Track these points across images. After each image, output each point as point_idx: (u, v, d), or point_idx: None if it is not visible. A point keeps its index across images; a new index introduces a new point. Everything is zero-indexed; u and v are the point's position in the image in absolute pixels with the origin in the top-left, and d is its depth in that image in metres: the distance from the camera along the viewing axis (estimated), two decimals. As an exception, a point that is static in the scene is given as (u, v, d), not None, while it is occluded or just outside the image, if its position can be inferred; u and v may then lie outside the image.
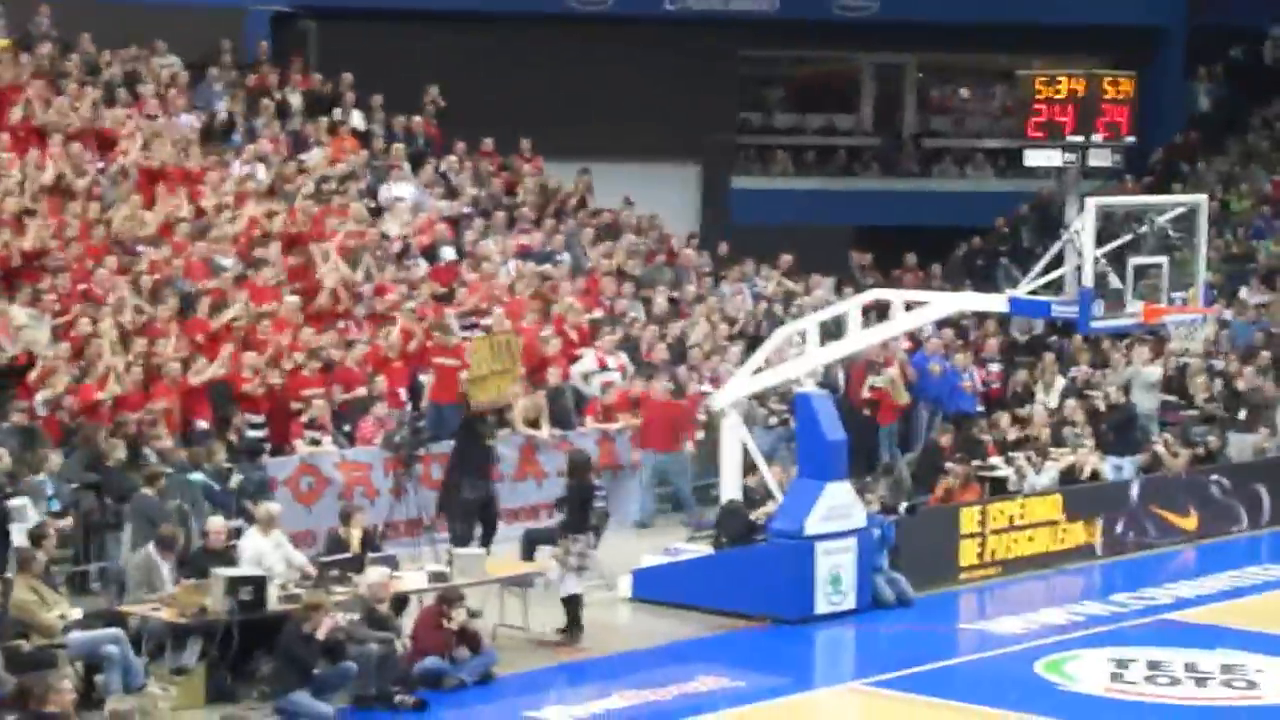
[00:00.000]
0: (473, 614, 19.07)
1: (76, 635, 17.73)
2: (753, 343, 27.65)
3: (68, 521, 20.47)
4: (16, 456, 20.83)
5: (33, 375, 22.41)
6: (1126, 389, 28.93)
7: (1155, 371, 29.51)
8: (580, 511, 20.83)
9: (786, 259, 32.65)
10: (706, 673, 19.38)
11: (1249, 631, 21.51)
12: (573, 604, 20.58)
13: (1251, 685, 19.42)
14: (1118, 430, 27.76)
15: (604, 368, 27.30)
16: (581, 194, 32.93)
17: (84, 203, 26.29)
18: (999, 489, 26.04)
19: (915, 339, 29.23)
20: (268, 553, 19.52)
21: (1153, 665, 20.01)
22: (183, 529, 19.96)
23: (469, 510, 22.72)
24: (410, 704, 17.99)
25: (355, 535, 20.26)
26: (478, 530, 22.69)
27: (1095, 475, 26.44)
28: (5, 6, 30.10)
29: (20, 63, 28.92)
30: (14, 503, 19.99)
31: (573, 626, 20.56)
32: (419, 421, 24.40)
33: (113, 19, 31.23)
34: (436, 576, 19.59)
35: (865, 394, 27.95)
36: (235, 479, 21.98)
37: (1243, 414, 29.14)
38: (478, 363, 22.99)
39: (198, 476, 21.40)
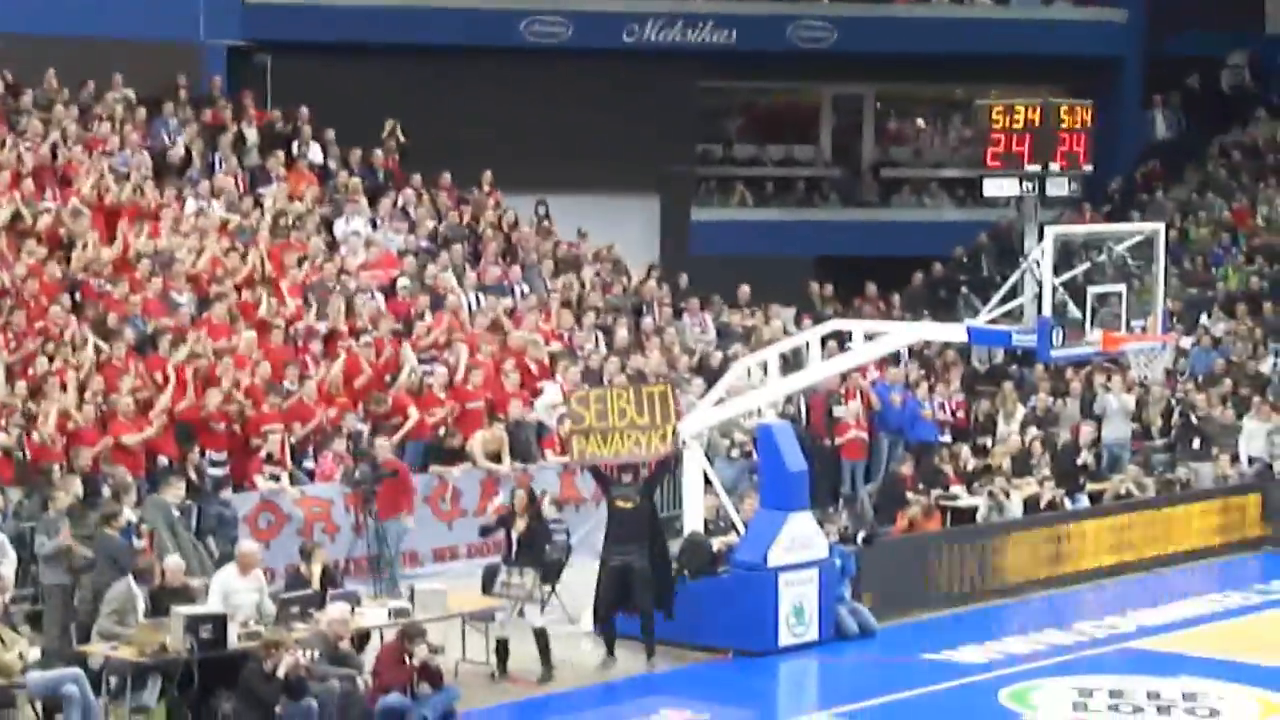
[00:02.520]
0: (434, 649, 19.02)
1: (35, 675, 17.66)
2: (713, 375, 27.71)
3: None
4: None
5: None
6: (1099, 418, 29.09)
7: (1129, 400, 29.58)
8: (527, 547, 20.83)
9: (744, 291, 32.71)
10: (669, 706, 19.37)
11: (1210, 659, 21.57)
12: (539, 639, 20.57)
13: (1213, 713, 19.48)
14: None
15: (567, 400, 27.25)
16: (540, 226, 32.99)
17: (41, 241, 26.26)
18: (962, 519, 26.15)
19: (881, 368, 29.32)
20: (239, 592, 19.41)
21: (1115, 694, 20.05)
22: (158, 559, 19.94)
23: (611, 581, 21.11)
24: (372, 742, 17.96)
25: (316, 572, 20.21)
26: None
27: (1053, 506, 26.54)
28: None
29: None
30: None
31: (542, 661, 20.55)
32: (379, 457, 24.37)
33: (67, 54, 31.17)
34: (397, 612, 19.56)
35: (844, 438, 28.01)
36: (195, 516, 21.95)
37: (1200, 442, 29.33)
38: (613, 414, 21.57)
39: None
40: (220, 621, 18.16)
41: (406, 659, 18.47)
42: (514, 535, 20.92)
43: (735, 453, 26.99)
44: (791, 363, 23.92)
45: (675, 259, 37.01)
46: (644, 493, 21.30)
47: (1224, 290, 36.49)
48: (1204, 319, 34.78)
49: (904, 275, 36.53)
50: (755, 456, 24.12)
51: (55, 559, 20.14)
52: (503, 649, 20.52)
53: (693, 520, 23.10)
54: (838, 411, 28.54)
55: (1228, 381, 31.24)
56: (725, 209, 41.77)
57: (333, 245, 29.65)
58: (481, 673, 20.35)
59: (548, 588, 22.12)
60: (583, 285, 31.25)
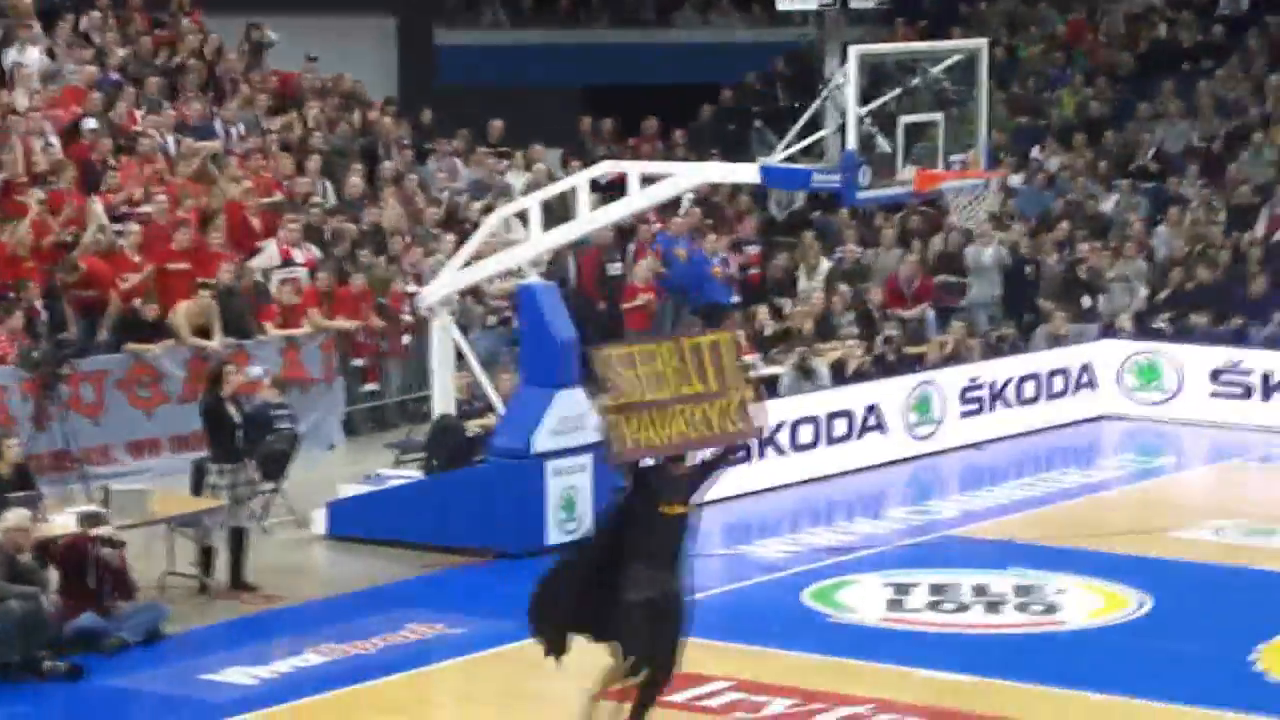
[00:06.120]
0: (114, 544, 18.82)
1: None
2: (464, 229, 27.74)
3: None
4: None
5: None
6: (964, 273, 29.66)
7: (991, 252, 30.00)
8: (219, 434, 20.59)
9: (500, 127, 32.68)
10: (418, 620, 19.39)
11: (1046, 547, 22.00)
12: (233, 542, 20.44)
13: (1050, 609, 19.90)
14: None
15: (289, 261, 27.21)
16: (253, 54, 32.71)
17: None
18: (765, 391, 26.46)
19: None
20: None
21: (936, 589, 20.39)
22: None
23: (643, 622, 15.69)
24: (63, 670, 17.83)
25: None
26: None
27: (861, 373, 26.93)
28: None
29: None
30: None
31: (231, 569, 20.48)
32: (62, 333, 24.10)
33: None
34: (89, 519, 19.40)
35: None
36: None
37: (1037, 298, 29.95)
38: (670, 381, 16.08)
39: None
40: None
41: (90, 560, 18.39)
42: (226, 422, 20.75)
43: (491, 320, 27.06)
44: (557, 213, 23.96)
45: (416, 91, 36.87)
46: (693, 490, 16.23)
47: (1059, 118, 37.05)
48: (1035, 152, 35.33)
49: (688, 107, 36.68)
50: (515, 324, 24.15)
51: None
52: (218, 557, 20.43)
53: (443, 401, 23.18)
54: (613, 270, 28.67)
55: (1065, 224, 31.82)
56: (475, 30, 41.64)
57: (0, 78, 29.15)
58: (193, 587, 20.27)
59: (269, 485, 22.09)
60: (305, 124, 31.06)
